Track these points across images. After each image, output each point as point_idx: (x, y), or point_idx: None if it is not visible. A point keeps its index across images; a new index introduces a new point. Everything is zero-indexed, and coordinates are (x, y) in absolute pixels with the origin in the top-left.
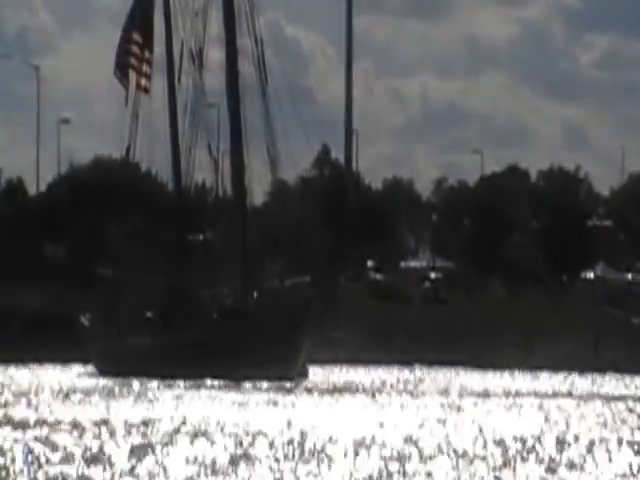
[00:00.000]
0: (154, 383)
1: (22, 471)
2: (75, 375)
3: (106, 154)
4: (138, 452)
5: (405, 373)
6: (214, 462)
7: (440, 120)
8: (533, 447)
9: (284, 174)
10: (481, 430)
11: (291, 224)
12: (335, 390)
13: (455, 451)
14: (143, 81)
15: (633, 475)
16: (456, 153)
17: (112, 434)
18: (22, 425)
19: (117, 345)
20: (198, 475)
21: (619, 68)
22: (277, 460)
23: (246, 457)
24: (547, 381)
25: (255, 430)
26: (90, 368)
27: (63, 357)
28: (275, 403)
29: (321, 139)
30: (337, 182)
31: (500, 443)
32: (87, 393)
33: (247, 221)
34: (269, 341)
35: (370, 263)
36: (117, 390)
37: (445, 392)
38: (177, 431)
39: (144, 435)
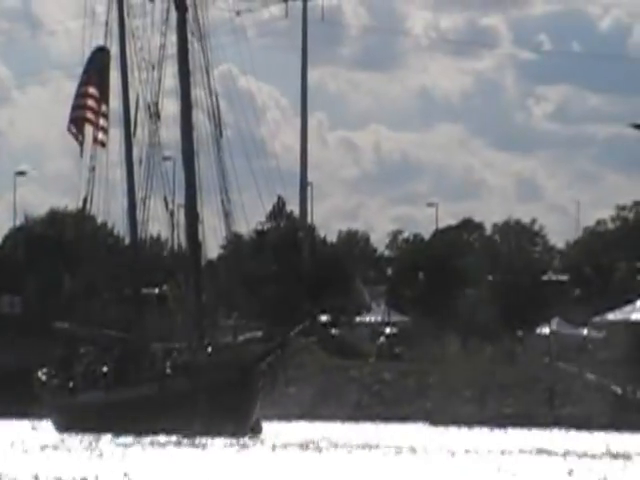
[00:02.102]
0: (105, 438)
1: None
2: (29, 429)
3: (61, 207)
4: None
5: (358, 429)
6: None
7: (394, 172)
8: None
9: (239, 227)
10: None
11: (245, 278)
12: (289, 445)
13: None
14: (100, 135)
15: None
16: (410, 205)
17: None
18: None
19: (71, 400)
20: None
21: (572, 120)
22: None
23: None
24: (501, 437)
25: None
26: (46, 423)
27: (20, 411)
28: (226, 459)
29: (275, 191)
30: (292, 235)
31: None
32: (29, 448)
33: (201, 276)
34: (222, 396)
35: (325, 318)
36: (62, 445)
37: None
38: None
39: None
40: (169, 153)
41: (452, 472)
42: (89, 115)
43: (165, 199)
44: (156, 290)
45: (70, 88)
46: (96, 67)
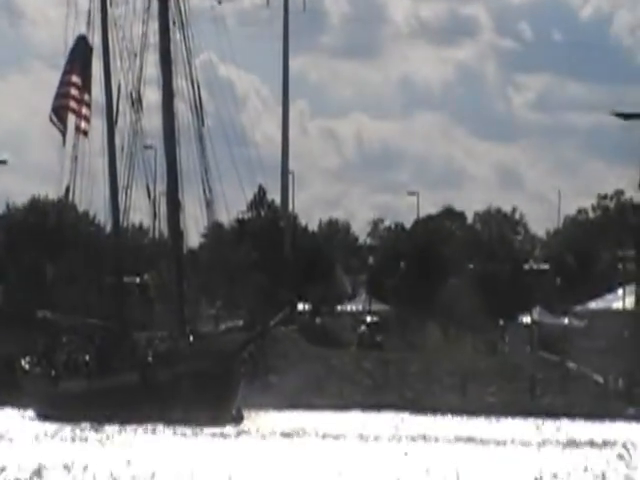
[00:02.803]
0: (87, 427)
1: None
2: (8, 418)
3: (42, 195)
4: None
5: (339, 417)
6: None
7: (375, 161)
8: None
9: (220, 216)
10: None
11: (226, 267)
12: (270, 434)
13: None
14: (82, 124)
15: None
16: (391, 194)
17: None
18: None
19: (53, 388)
20: None
21: (553, 109)
22: None
23: None
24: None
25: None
26: (29, 412)
27: (2, 400)
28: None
29: (257, 180)
30: (273, 224)
31: None
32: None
33: (182, 265)
34: (203, 385)
35: (306, 306)
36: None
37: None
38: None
39: None
40: (151, 142)
41: (433, 459)
42: (72, 104)
43: (147, 187)
44: (138, 279)
45: (51, 77)
46: (79, 56)
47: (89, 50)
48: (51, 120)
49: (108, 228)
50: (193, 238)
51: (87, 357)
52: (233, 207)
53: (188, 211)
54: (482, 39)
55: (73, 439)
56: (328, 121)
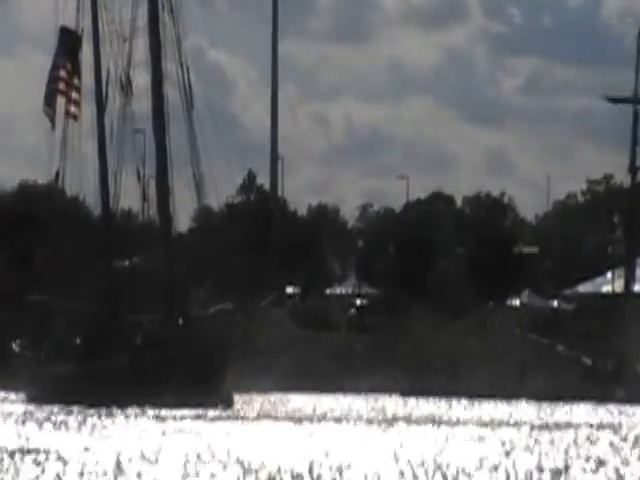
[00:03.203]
0: (75, 410)
1: None
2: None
3: (31, 180)
4: None
5: (329, 400)
6: None
7: (364, 145)
8: None
9: (209, 200)
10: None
11: (216, 251)
12: (260, 417)
13: None
14: (72, 108)
15: None
16: (381, 178)
17: None
18: None
19: (43, 372)
20: None
21: (543, 93)
22: None
23: None
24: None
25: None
26: (21, 395)
27: None
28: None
29: (246, 164)
30: (263, 208)
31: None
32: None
33: (172, 249)
34: (192, 368)
35: (295, 289)
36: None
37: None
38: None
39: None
40: (141, 125)
41: (424, 443)
42: (62, 87)
43: (138, 171)
44: (127, 262)
45: (39, 61)
46: (68, 40)
47: (75, 38)
48: (45, 112)
49: (97, 212)
50: (183, 222)
51: (77, 340)
52: (223, 191)
53: (178, 195)
54: (471, 23)
55: (44, 423)
56: (317, 105)
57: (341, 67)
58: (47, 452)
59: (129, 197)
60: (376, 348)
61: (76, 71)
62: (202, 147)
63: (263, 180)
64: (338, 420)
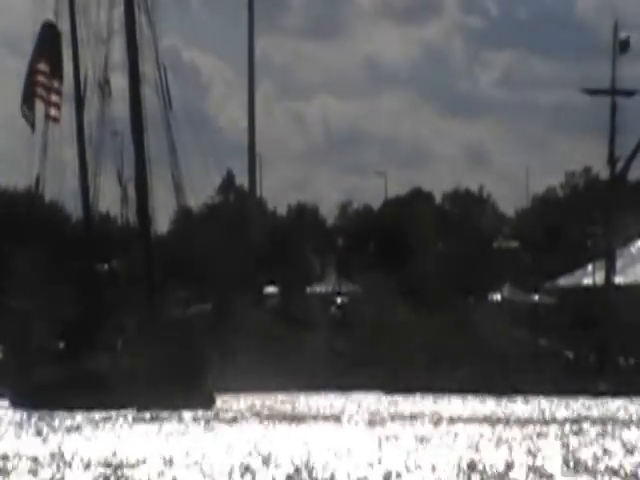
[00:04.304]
0: (58, 415)
1: None
2: None
3: (11, 185)
4: None
5: (311, 399)
6: None
7: (342, 142)
8: None
9: (188, 201)
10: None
11: (195, 252)
12: (243, 418)
13: None
14: (52, 111)
15: None
16: (359, 176)
17: None
18: None
19: (25, 376)
20: None
21: (520, 86)
22: None
23: None
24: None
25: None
26: (3, 400)
27: None
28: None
29: (224, 164)
30: (242, 208)
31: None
32: None
33: (151, 251)
34: (173, 370)
35: (275, 289)
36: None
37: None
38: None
39: None
40: (119, 127)
41: (410, 440)
42: (40, 91)
43: (118, 173)
44: (106, 265)
45: (15, 64)
46: (46, 43)
47: (57, 36)
48: (23, 115)
49: (76, 216)
50: (162, 223)
51: (59, 344)
52: (201, 192)
53: (157, 196)
54: (447, 17)
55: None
56: (293, 103)
57: (317, 64)
58: (20, 457)
59: (108, 200)
60: (357, 346)
61: (57, 73)
62: (180, 148)
63: (242, 179)
64: (315, 418)
